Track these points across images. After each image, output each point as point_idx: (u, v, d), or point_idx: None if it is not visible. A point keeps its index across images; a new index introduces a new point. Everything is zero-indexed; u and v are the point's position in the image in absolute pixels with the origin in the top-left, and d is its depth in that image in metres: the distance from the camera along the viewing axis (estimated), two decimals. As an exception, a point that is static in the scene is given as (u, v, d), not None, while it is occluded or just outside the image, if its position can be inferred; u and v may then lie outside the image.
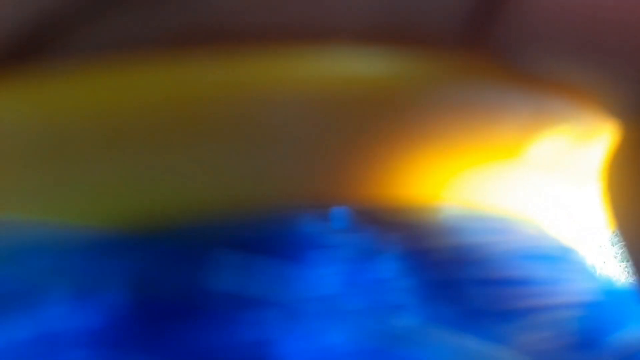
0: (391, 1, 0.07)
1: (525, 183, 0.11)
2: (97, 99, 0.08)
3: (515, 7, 0.07)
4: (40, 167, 0.08)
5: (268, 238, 0.09)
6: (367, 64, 0.08)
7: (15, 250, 0.09)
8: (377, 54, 0.08)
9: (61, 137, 0.08)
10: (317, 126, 0.08)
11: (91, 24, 0.07)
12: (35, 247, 0.09)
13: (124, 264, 0.08)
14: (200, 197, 0.09)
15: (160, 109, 0.08)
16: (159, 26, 0.07)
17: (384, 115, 0.08)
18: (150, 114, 0.08)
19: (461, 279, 0.09)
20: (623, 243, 0.09)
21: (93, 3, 0.07)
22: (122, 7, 0.07)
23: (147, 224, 0.09)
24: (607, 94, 0.08)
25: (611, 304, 0.11)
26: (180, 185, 0.09)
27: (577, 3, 0.07)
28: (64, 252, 0.09)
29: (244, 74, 0.07)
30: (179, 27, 0.07)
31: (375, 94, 0.08)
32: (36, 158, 0.08)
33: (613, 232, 0.10)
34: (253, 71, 0.07)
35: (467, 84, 0.08)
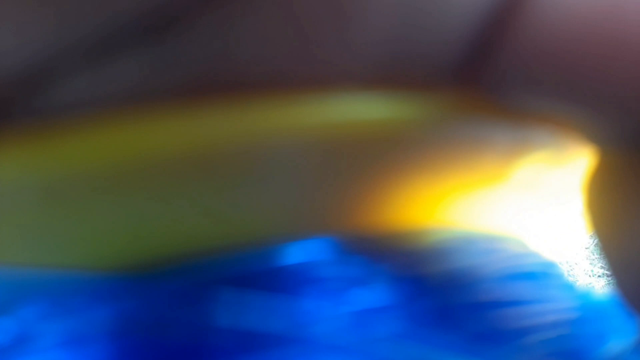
0: (391, 48, 0.08)
1: (509, 203, 0.11)
2: (95, 151, 0.08)
3: (504, 53, 0.08)
4: (39, 215, 0.08)
5: (264, 274, 0.09)
6: (364, 108, 0.08)
7: (9, 298, 0.09)
8: (374, 99, 0.08)
9: (60, 187, 0.08)
10: (311, 166, 0.08)
11: (87, 74, 0.07)
12: (31, 293, 0.09)
13: (122, 307, 0.08)
14: (197, 237, 0.09)
15: (157, 159, 0.08)
16: (157, 77, 0.07)
17: (377, 153, 0.09)
18: (148, 163, 0.08)
19: (455, 304, 0.09)
20: (602, 253, 0.10)
21: (90, 52, 0.07)
22: (125, 55, 0.07)
23: (144, 265, 0.09)
24: (585, 125, 0.09)
25: (594, 318, 0.11)
26: (177, 227, 0.09)
27: (559, 49, 0.08)
28: (59, 297, 0.09)
29: (244, 125, 0.08)
30: (178, 78, 0.08)
31: (371, 135, 0.08)
32: (35, 206, 0.08)
33: (594, 245, 0.10)
34: (254, 121, 0.08)
35: (458, 121, 0.09)
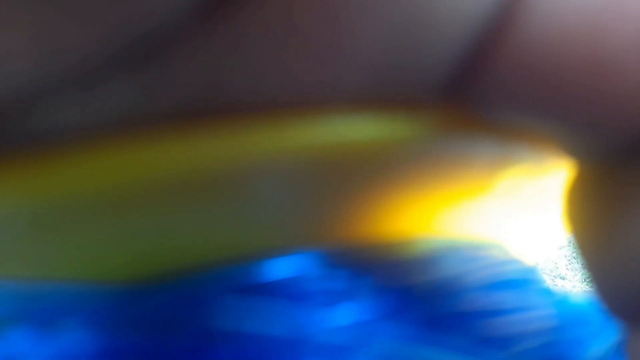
0: (380, 71, 0.08)
1: (491, 212, 0.11)
2: (88, 175, 0.08)
3: (487, 73, 0.08)
4: (32, 238, 0.08)
5: (252, 289, 0.09)
6: (353, 129, 0.08)
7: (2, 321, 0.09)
8: (363, 120, 0.08)
9: (53, 210, 0.08)
10: (299, 185, 0.09)
11: (78, 99, 0.07)
12: (21, 313, 0.09)
13: (128, 314, 0.08)
14: (186, 253, 0.09)
15: (150, 181, 0.08)
16: (149, 102, 0.08)
17: (365, 171, 0.09)
18: (141, 186, 0.08)
19: (440, 315, 0.10)
20: (581, 258, 0.10)
21: (81, 78, 0.07)
22: (116, 80, 0.07)
23: (136, 282, 0.09)
24: (564, 140, 0.09)
25: (574, 323, 0.11)
26: (166, 244, 0.09)
27: (539, 69, 0.08)
28: (50, 317, 0.09)
29: (234, 147, 0.08)
30: (169, 103, 0.08)
31: (359, 155, 0.08)
32: (28, 230, 0.08)
33: (573, 249, 0.11)
34: (244, 143, 0.08)
35: (444, 138, 0.09)
